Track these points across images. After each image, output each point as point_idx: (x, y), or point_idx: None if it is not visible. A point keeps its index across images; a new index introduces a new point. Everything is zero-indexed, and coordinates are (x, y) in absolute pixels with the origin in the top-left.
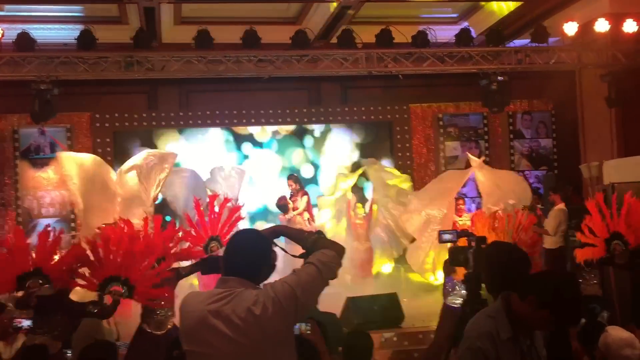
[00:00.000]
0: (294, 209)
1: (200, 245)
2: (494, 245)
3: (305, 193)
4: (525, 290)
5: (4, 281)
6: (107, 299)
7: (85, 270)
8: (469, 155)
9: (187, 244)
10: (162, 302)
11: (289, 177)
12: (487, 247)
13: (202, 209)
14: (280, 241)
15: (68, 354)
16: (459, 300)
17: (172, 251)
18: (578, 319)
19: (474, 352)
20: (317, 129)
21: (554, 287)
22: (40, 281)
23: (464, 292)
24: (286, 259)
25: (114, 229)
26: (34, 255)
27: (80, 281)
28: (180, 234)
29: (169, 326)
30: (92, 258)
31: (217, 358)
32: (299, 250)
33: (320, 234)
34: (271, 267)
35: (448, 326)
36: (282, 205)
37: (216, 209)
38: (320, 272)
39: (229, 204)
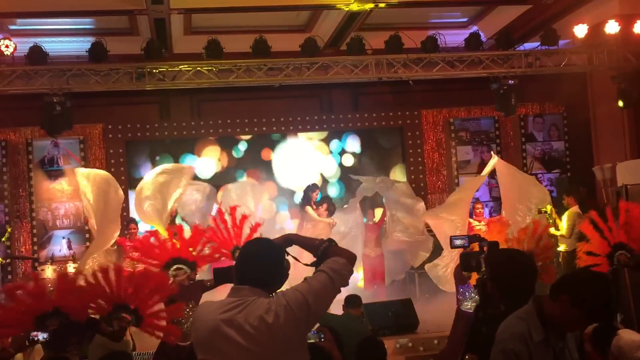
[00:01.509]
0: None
1: (228, 250)
2: (498, 252)
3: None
4: (557, 290)
5: (22, 322)
6: (115, 325)
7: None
8: (492, 153)
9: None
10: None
11: (325, 199)
12: (491, 254)
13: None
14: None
15: None
16: (474, 305)
17: (199, 254)
18: (610, 317)
19: (507, 354)
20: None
21: (586, 286)
22: (60, 320)
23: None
24: (296, 267)
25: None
26: (53, 296)
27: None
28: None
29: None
30: (106, 288)
31: None
32: (310, 258)
33: (331, 241)
34: (284, 276)
35: (460, 327)
36: (308, 195)
37: (237, 221)
38: (332, 280)
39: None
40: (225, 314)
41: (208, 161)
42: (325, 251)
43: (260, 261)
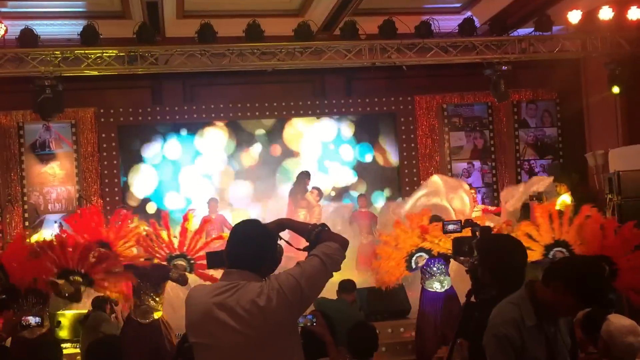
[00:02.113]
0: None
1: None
2: (490, 237)
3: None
4: (550, 276)
5: None
6: (66, 286)
7: None
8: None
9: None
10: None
11: (315, 188)
12: (483, 239)
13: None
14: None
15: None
16: (437, 285)
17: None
18: (603, 302)
19: (500, 339)
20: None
21: (579, 271)
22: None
23: (441, 276)
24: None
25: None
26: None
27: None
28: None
29: (155, 317)
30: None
31: (223, 350)
32: (303, 242)
33: (324, 226)
34: (276, 260)
35: (427, 311)
36: (302, 181)
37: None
38: (324, 264)
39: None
40: (217, 297)
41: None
42: (318, 235)
43: (251, 244)
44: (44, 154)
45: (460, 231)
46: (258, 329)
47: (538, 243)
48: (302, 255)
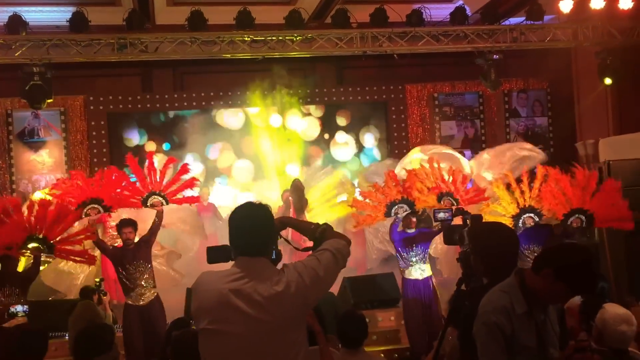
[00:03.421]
0: None
1: (139, 197)
2: (481, 225)
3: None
4: (540, 264)
5: None
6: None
7: None
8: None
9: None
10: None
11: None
12: (474, 227)
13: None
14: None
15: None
16: (417, 273)
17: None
18: (593, 290)
19: (490, 327)
20: None
21: (570, 259)
22: None
23: (420, 264)
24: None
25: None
26: None
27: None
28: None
29: (152, 297)
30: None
31: (236, 336)
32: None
33: (327, 225)
34: (275, 240)
35: (410, 299)
36: None
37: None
38: (336, 258)
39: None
40: (232, 284)
41: None
42: (323, 233)
43: (261, 229)
44: (33, 142)
45: (451, 219)
46: (274, 316)
47: (504, 216)
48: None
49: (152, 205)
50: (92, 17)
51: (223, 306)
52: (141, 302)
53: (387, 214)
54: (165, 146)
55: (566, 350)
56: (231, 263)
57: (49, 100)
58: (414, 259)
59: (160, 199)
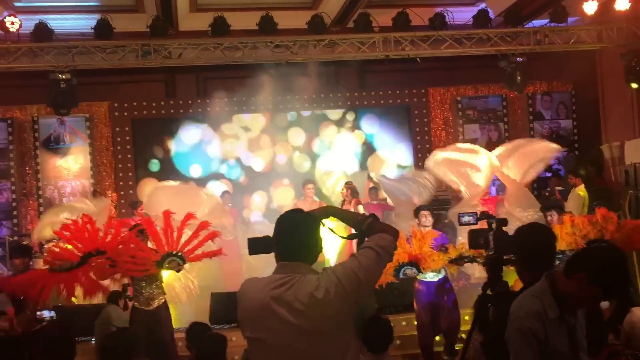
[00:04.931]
0: None
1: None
2: (524, 228)
3: (359, 202)
4: (573, 267)
5: None
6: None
7: None
8: None
9: None
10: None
11: (346, 184)
12: (517, 233)
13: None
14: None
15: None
16: (431, 274)
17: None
18: (627, 294)
19: (524, 333)
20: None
21: (603, 263)
22: None
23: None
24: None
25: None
26: None
27: None
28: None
29: (160, 302)
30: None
31: (280, 344)
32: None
33: (373, 217)
34: (321, 249)
35: (422, 302)
36: None
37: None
38: (379, 256)
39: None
40: (274, 291)
41: None
42: (370, 226)
43: (302, 236)
44: (59, 148)
45: (476, 223)
46: (315, 322)
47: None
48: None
49: (169, 267)
50: (117, 24)
51: (265, 314)
52: (149, 307)
53: (397, 277)
54: None
55: (600, 355)
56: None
57: (74, 107)
58: None
59: (177, 259)
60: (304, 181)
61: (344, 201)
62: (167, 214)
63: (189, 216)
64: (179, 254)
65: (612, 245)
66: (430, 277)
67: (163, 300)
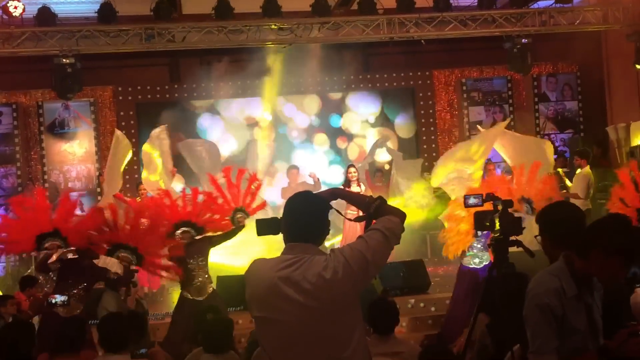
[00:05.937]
0: None
1: (227, 217)
2: (550, 206)
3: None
4: (585, 247)
5: (24, 240)
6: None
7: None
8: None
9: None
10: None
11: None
12: (545, 209)
13: (219, 182)
14: None
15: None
16: (477, 261)
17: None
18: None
19: (542, 309)
20: None
21: (613, 232)
22: (58, 242)
23: (479, 252)
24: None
25: (135, 201)
26: (54, 216)
27: (92, 244)
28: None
29: (209, 291)
30: (109, 224)
31: (288, 324)
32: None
33: (381, 199)
34: (328, 231)
35: (464, 288)
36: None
37: (233, 180)
38: (387, 239)
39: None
40: (282, 272)
41: None
42: (378, 209)
43: (310, 217)
44: (64, 133)
45: (482, 205)
46: (323, 302)
47: (631, 208)
48: None
49: (239, 222)
50: (120, 8)
51: (273, 294)
52: (200, 297)
53: (476, 235)
54: None
55: (618, 335)
56: (281, 243)
57: (78, 92)
58: (475, 246)
59: (243, 214)
60: (288, 166)
61: (349, 182)
62: (227, 170)
63: (242, 171)
64: (243, 208)
65: (614, 213)
66: (476, 262)
67: (212, 289)
